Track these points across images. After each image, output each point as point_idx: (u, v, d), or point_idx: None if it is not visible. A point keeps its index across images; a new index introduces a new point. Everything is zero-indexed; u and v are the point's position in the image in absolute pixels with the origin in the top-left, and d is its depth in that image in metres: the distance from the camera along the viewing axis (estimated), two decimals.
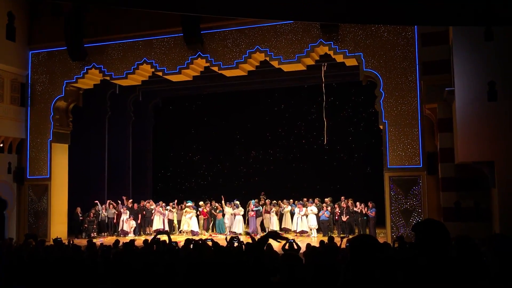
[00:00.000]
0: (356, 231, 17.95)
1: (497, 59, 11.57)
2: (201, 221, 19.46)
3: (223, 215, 19.06)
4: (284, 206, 18.98)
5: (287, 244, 10.36)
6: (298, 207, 18.21)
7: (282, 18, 12.90)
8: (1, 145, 18.44)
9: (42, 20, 18.96)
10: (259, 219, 18.73)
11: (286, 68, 17.30)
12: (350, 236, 15.33)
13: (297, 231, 18.06)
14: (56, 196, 18.69)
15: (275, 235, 3.93)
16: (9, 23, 18.29)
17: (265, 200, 19.16)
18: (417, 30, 14.99)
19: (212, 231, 19.29)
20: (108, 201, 20.05)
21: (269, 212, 18.67)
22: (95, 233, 19.03)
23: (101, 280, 7.31)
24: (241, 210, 18.90)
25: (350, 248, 2.61)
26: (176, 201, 20.14)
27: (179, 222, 19.59)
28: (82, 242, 14.03)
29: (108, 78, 18.44)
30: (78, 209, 19.34)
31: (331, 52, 16.13)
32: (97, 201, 19.86)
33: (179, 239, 12.82)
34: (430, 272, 2.57)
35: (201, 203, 19.66)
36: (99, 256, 8.43)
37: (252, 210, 18.58)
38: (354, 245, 2.57)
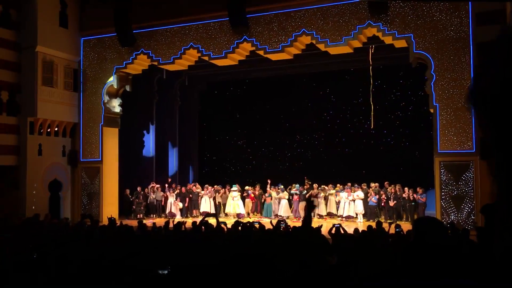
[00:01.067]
0: (404, 216, 17.63)
1: None
2: (249, 205, 19.70)
3: (271, 199, 19.21)
4: (329, 190, 18.87)
5: (333, 229, 10.34)
6: (346, 192, 18.04)
7: None
8: (56, 129, 19.22)
9: (92, 6, 19.45)
10: (302, 203, 18.70)
11: (333, 51, 17.02)
12: (398, 222, 15.09)
13: (344, 216, 17.94)
14: (107, 178, 19.36)
15: (309, 200, 3.98)
16: (61, 11, 18.98)
17: (310, 184, 19.06)
18: (472, 9, 14.34)
19: (260, 214, 19.47)
20: (152, 183, 20.55)
21: (316, 197, 18.61)
22: (141, 215, 19.61)
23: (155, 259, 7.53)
24: (286, 194, 18.95)
25: (416, 229, 2.55)
26: (220, 186, 20.38)
27: (224, 205, 19.89)
28: (131, 223, 14.47)
29: (156, 63, 18.78)
30: (127, 191, 19.98)
31: (379, 34, 15.71)
32: (153, 183, 20.47)
33: (227, 221, 13.00)
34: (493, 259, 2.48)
35: (247, 187, 19.86)
36: (152, 236, 8.70)
37: (296, 194, 18.60)
38: (421, 226, 2.50)
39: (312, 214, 17.69)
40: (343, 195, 18.12)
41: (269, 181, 19.41)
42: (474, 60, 14.26)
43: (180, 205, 19.83)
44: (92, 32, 19.49)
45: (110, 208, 19.02)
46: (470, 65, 14.43)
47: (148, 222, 14.41)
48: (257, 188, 19.78)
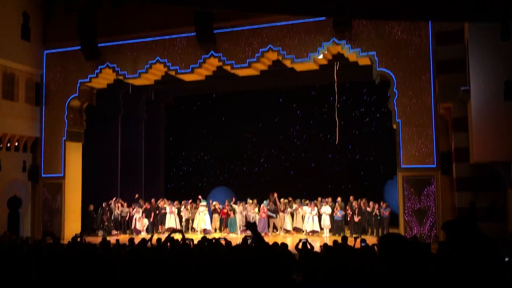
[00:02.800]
0: (369, 231, 17.85)
1: None
2: (217, 220, 19.50)
3: (234, 214, 19.11)
4: (295, 205, 18.92)
5: (300, 244, 10.35)
6: (310, 207, 18.13)
7: (294, 13, 12.81)
8: (16, 144, 18.65)
9: (56, 19, 19.12)
10: (272, 220, 18.66)
11: (299, 67, 17.26)
12: (363, 237, 15.26)
13: (308, 231, 18.00)
14: (70, 194, 18.85)
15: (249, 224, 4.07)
16: (24, 23, 18.57)
17: (278, 199, 19.04)
18: (432, 28, 14.87)
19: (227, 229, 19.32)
20: (115, 198, 20.16)
21: (283, 211, 18.62)
22: (115, 231, 19.21)
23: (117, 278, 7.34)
24: (255, 210, 18.88)
25: (381, 246, 2.60)
26: (190, 200, 20.16)
27: (192, 220, 19.66)
28: (95, 240, 14.11)
29: (121, 77, 18.55)
30: (91, 207, 19.50)
31: (344, 51, 16.06)
32: (116, 198, 20.15)
33: (193, 237, 12.85)
34: (462, 271, 2.56)
35: (215, 202, 19.72)
36: (114, 255, 8.49)
37: (264, 212, 18.50)
38: (386, 243, 2.55)
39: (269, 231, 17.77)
40: (307, 209, 18.19)
41: (233, 199, 19.40)
42: (434, 80, 14.75)
43: (145, 221, 19.47)
44: (55, 45, 19.13)
45: (72, 225, 18.50)
46: (430, 82, 14.91)
47: (112, 239, 14.07)
48: (226, 203, 19.64)
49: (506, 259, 7.00)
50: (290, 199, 19.21)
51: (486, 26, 11.64)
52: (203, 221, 19.15)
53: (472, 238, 2.60)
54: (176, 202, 19.85)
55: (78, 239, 11.23)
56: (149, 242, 10.50)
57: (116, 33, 18.03)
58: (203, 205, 19.38)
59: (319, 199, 18.67)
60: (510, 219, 12.33)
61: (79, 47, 18.10)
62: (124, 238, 15.89)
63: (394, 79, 15.26)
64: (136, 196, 20.86)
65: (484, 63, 11.82)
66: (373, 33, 15.53)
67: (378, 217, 17.47)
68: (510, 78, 10.96)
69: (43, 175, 18.96)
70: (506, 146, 11.44)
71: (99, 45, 17.99)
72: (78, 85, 18.82)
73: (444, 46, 14.23)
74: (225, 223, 19.45)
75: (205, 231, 18.70)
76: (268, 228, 18.49)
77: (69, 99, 18.91)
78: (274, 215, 18.49)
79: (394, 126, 15.53)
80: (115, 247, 10.55)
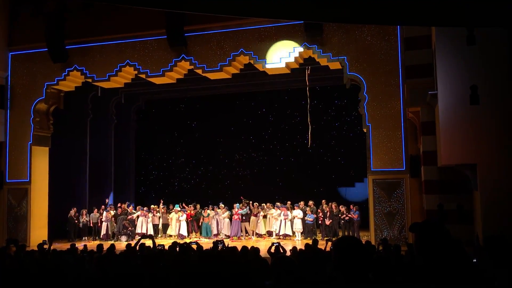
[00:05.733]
0: (340, 234, 17.99)
1: (479, 63, 11.75)
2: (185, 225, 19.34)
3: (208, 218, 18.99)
4: (268, 209, 18.91)
5: (273, 247, 10.33)
6: (282, 210, 18.12)
7: (266, 16, 12.82)
8: None
9: (22, 21, 18.59)
10: (243, 223, 18.60)
11: (270, 71, 17.30)
12: (334, 239, 15.36)
13: (280, 235, 18.00)
14: (36, 200, 18.32)
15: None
16: None
17: (248, 203, 19.00)
18: (400, 34, 15.14)
19: (200, 234, 19.15)
20: (103, 206, 19.88)
21: (256, 215, 18.57)
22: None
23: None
24: (227, 213, 18.78)
25: (334, 250, 2.60)
26: (163, 204, 19.91)
27: (164, 226, 19.40)
28: (64, 246, 13.75)
29: (90, 80, 18.18)
30: (72, 213, 19.17)
31: (315, 56, 16.18)
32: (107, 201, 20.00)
33: (164, 242, 12.66)
34: (428, 274, 2.57)
35: (177, 206, 19.54)
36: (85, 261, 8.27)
37: (236, 214, 18.45)
38: (339, 247, 2.56)
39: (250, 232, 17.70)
40: (275, 212, 18.18)
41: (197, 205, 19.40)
42: (403, 85, 15.01)
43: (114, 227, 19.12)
44: (21, 47, 18.59)
45: (39, 231, 17.97)
46: (399, 87, 15.17)
47: (80, 246, 13.75)
48: (191, 207, 19.46)
49: (474, 260, 7.14)
50: (269, 205, 19.18)
51: (452, 32, 11.92)
52: (176, 227, 18.93)
53: (440, 240, 2.62)
54: (144, 208, 19.58)
55: (45, 246, 10.94)
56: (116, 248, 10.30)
57: (84, 35, 17.66)
58: (175, 210, 19.17)
59: (288, 203, 18.70)
60: (476, 221, 12.62)
61: (46, 49, 17.65)
62: (92, 244, 15.56)
63: (364, 84, 15.46)
64: (106, 201, 20.49)
65: (451, 68, 12.10)
66: (343, 38, 15.70)
67: (348, 221, 17.62)
68: (475, 83, 11.21)
69: (7, 180, 18.37)
70: (472, 149, 11.72)
71: (66, 47, 17.59)
72: (45, 87, 18.34)
73: (412, 51, 14.50)
74: (193, 226, 19.26)
75: (181, 236, 18.49)
76: (241, 231, 18.43)
77: (35, 102, 18.39)
78: (244, 217, 18.40)
79: (365, 130, 15.72)
80: (83, 253, 10.32)
